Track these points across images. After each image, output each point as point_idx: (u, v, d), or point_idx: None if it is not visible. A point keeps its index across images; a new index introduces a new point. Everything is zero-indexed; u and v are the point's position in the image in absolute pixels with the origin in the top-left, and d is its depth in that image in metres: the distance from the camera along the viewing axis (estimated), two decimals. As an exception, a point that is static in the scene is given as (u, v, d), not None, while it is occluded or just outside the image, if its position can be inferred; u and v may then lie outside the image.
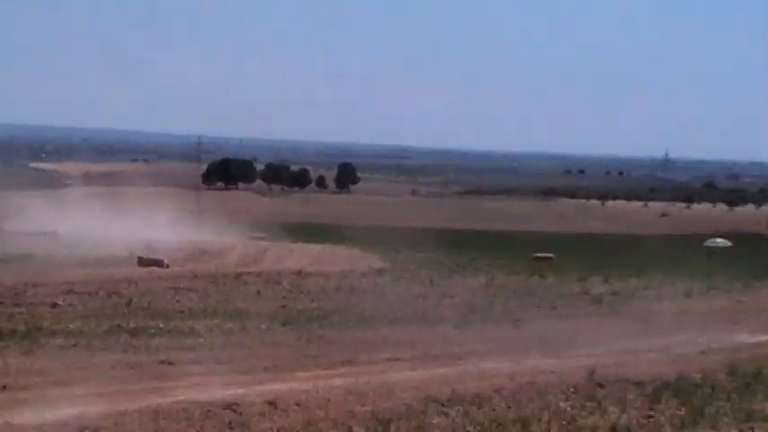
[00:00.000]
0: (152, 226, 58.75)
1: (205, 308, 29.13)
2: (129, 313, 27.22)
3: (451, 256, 56.67)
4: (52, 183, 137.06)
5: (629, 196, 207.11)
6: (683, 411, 11.61)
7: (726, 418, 11.14)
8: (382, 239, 69.99)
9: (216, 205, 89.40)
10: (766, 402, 12.47)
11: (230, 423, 12.38)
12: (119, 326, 24.11)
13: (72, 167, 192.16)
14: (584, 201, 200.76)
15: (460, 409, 12.81)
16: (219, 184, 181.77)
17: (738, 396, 13.09)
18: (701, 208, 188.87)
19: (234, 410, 13.03)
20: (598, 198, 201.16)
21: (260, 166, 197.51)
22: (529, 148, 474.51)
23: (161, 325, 24.53)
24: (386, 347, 21.32)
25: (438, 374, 17.04)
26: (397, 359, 19.56)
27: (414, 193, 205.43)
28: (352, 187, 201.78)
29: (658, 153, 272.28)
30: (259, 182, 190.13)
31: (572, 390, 14.58)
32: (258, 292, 34.82)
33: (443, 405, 13.22)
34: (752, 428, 10.29)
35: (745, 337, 24.99)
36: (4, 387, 15.07)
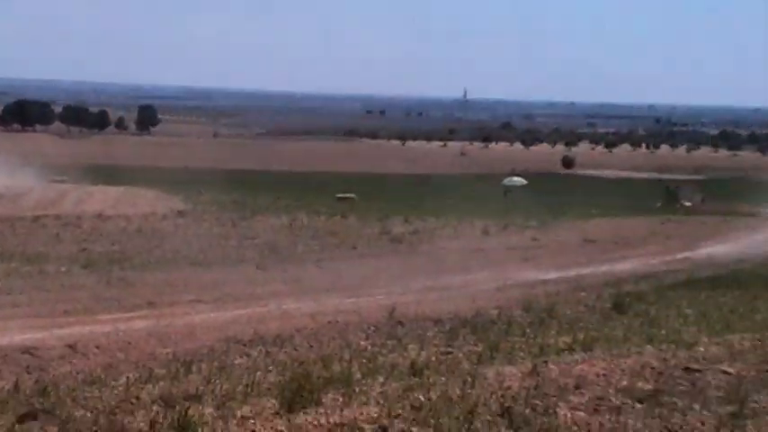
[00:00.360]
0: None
1: (1, 252, 28.13)
2: None
3: (254, 198, 56.46)
4: None
5: (428, 137, 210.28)
6: (480, 347, 11.84)
7: (521, 353, 11.41)
8: (184, 181, 69.15)
9: (11, 147, 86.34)
10: (559, 337, 12.84)
11: (28, 367, 12.01)
12: None
13: None
14: (384, 141, 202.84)
15: (262, 349, 12.77)
16: (16, 126, 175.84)
17: (533, 331, 13.46)
18: (498, 147, 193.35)
19: (32, 354, 12.64)
20: (399, 138, 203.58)
21: (59, 109, 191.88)
22: (330, 90, 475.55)
23: (-46, 270, 23.59)
24: (188, 289, 21.06)
25: (240, 315, 16.94)
26: (199, 301, 19.35)
27: (215, 135, 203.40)
28: (153, 129, 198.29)
29: (457, 94, 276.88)
30: (58, 124, 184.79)
31: (373, 328, 14.72)
32: (57, 235, 33.88)
33: (245, 346, 13.15)
34: (545, 362, 10.55)
35: (539, 274, 25.68)
36: None
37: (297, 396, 8.31)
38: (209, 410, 7.96)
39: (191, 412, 7.61)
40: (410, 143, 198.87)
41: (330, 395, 8.66)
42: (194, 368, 10.86)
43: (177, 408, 7.89)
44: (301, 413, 8.02)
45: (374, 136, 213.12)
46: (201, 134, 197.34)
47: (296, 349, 12.69)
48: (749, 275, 25.45)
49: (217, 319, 16.52)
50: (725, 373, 10.25)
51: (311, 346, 12.86)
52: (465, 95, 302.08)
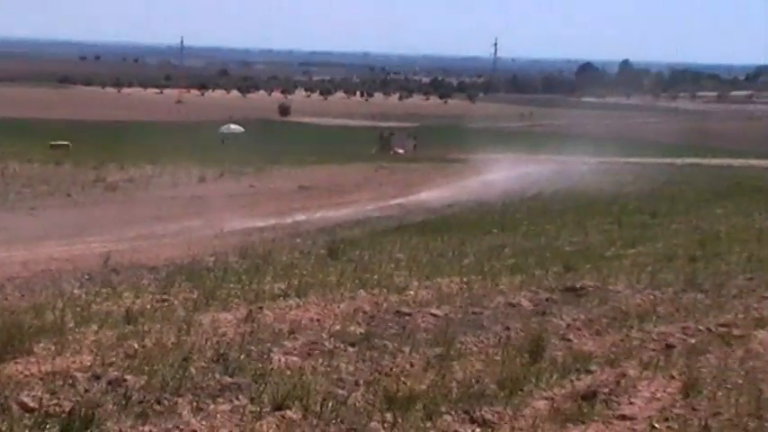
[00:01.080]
0: None
1: None
2: None
3: (-40, 145, 53.81)
4: None
5: (144, 83, 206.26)
6: (195, 294, 11.79)
7: (237, 299, 11.44)
8: None
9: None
10: (275, 283, 12.93)
11: None
12: None
13: None
14: (100, 88, 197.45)
15: (-29, 300, 12.28)
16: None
17: (249, 278, 13.49)
18: (215, 95, 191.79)
19: None
20: (114, 85, 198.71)
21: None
22: (43, 34, 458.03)
23: None
24: None
25: (-53, 266, 16.18)
26: None
27: None
28: None
29: (174, 41, 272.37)
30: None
31: (87, 276, 14.38)
32: None
33: (-47, 296, 12.61)
34: (261, 308, 10.63)
35: (256, 221, 25.72)
36: None
37: (7, 346, 8.07)
38: None
39: None
40: (126, 90, 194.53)
41: (42, 344, 8.45)
42: None
43: None
44: (12, 363, 7.79)
45: (89, 82, 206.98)
46: None
47: (6, 298, 12.24)
48: (458, 220, 26.35)
49: None
50: (433, 315, 10.63)
51: (23, 296, 12.44)
52: (181, 42, 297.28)
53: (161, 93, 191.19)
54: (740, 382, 8.19)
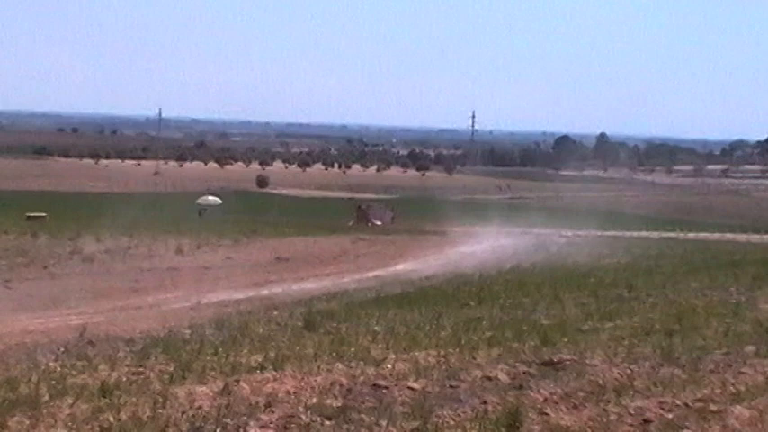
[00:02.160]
0: None
1: None
2: None
3: (-64, 216, 53.65)
4: None
5: (122, 155, 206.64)
6: (171, 366, 11.75)
7: (213, 372, 11.40)
8: None
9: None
10: (251, 355, 12.90)
11: None
12: None
13: None
14: (77, 159, 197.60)
15: (-56, 374, 12.19)
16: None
17: (225, 350, 13.46)
18: (192, 166, 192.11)
19: None
20: (92, 157, 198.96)
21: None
22: (19, 106, 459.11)
23: None
24: None
25: None
26: None
27: None
28: None
29: (152, 112, 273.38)
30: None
31: (62, 349, 14.32)
32: None
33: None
34: (237, 380, 10.60)
35: (233, 293, 25.71)
36: None
37: (-20, 421, 8.02)
38: None
39: None
40: (103, 161, 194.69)
41: (16, 418, 8.40)
42: None
43: None
44: (-15, 438, 7.74)
45: (66, 154, 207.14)
46: None
47: (-20, 373, 12.17)
48: (435, 292, 26.33)
49: None
50: (410, 388, 10.62)
51: (-4, 369, 12.37)
52: (159, 114, 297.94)
53: (139, 164, 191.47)
54: (717, 457, 8.19)
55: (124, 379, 10.86)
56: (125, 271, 31.46)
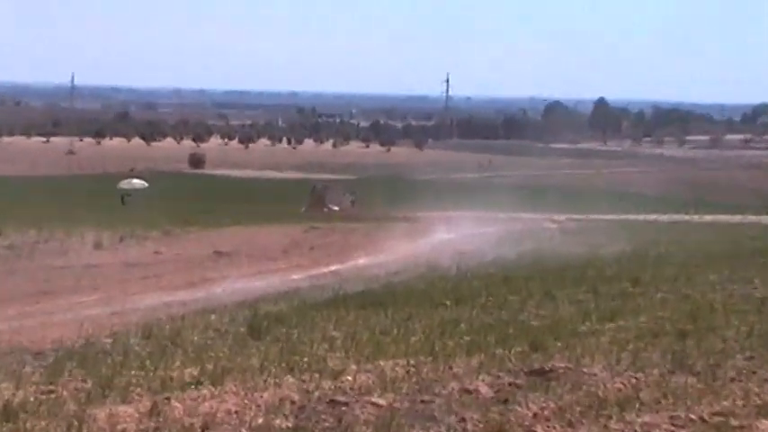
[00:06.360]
0: None
1: None
2: None
3: None
4: None
5: (28, 131, 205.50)
6: (89, 383, 11.71)
7: (139, 389, 11.34)
8: None
9: None
10: (184, 368, 12.85)
11: None
12: None
13: None
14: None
15: None
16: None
17: (153, 363, 13.40)
18: (113, 143, 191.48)
19: None
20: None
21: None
22: None
23: None
24: None
25: None
26: None
27: None
28: None
29: (63, 79, 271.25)
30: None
31: (-43, 365, 14.27)
32: None
33: None
34: (168, 399, 10.57)
35: (163, 295, 25.65)
36: None
37: None
38: None
39: None
40: (5, 139, 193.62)
41: None
42: None
43: None
44: None
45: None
46: None
47: None
48: (404, 291, 26.33)
49: None
50: (375, 405, 10.63)
51: None
52: (72, 81, 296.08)
53: (48, 142, 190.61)
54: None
55: (32, 399, 10.80)
56: (33, 270, 31.33)
